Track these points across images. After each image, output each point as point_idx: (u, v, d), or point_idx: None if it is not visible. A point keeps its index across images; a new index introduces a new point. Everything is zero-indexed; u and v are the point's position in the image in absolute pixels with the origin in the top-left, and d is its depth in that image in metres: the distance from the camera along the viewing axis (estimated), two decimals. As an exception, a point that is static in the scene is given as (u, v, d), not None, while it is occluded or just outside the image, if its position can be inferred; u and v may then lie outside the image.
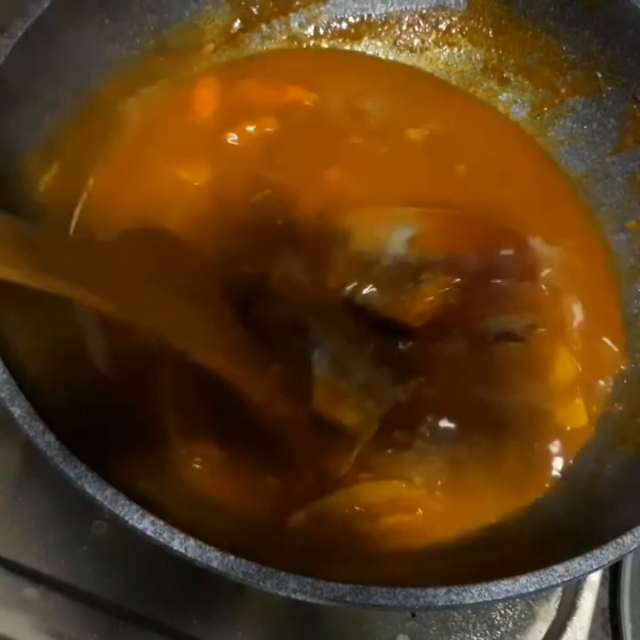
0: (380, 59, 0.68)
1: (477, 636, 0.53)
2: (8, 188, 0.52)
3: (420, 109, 0.64)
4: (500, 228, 0.57)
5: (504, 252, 0.56)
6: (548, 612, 0.54)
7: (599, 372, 0.55)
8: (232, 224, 0.56)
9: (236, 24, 0.65)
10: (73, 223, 0.57)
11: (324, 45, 0.68)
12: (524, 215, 0.59)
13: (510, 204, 0.59)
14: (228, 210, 0.57)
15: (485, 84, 0.67)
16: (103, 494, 0.38)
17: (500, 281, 0.55)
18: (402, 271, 0.54)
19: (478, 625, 0.53)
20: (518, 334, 0.53)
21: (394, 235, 0.55)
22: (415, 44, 0.68)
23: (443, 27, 0.67)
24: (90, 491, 0.38)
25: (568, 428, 0.53)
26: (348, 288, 0.54)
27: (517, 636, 0.53)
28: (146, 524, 0.37)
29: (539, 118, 0.65)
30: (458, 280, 0.53)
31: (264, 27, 0.66)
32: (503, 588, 0.37)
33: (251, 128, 0.61)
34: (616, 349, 0.56)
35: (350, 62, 0.68)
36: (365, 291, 0.53)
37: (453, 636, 0.53)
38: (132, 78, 0.61)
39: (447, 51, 0.67)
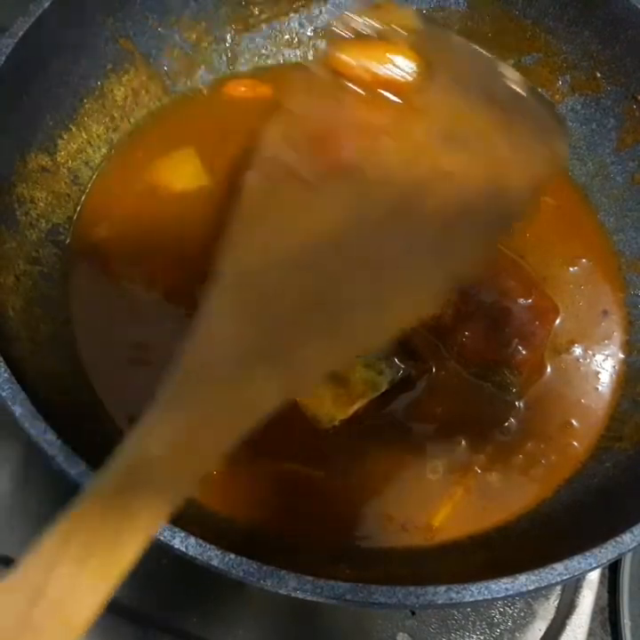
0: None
1: (477, 635, 0.53)
2: (8, 187, 0.52)
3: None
4: (534, 281, 0.55)
5: (522, 302, 0.53)
6: (547, 611, 0.54)
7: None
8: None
9: (236, 24, 0.66)
10: (72, 224, 0.57)
11: (324, 45, 0.67)
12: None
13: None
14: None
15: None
16: (104, 493, 0.38)
17: (506, 329, 0.53)
18: None
19: (478, 623, 0.53)
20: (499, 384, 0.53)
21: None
22: (415, 43, 0.68)
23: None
24: (91, 489, 0.38)
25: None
26: None
27: (517, 635, 0.53)
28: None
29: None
30: (455, 296, 0.52)
31: (265, 27, 0.67)
32: (502, 586, 0.37)
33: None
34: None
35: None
36: None
37: (453, 635, 0.53)
38: (133, 78, 0.62)
39: (447, 51, 0.67)
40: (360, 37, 0.47)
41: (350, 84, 0.46)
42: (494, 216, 0.42)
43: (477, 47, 0.48)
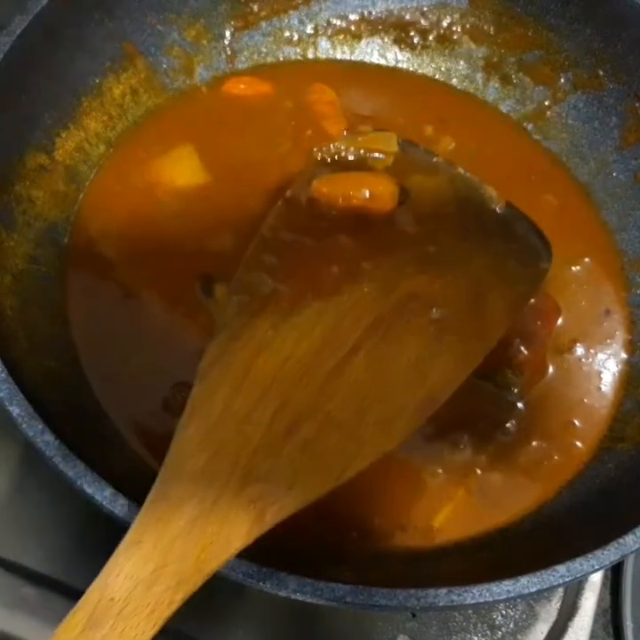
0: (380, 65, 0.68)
1: (478, 637, 0.53)
2: (6, 186, 0.52)
3: (420, 113, 0.64)
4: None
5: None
6: (549, 613, 0.54)
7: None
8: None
9: (235, 22, 0.66)
10: (70, 223, 0.57)
11: (324, 43, 0.68)
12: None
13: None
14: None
15: (487, 82, 0.67)
16: (102, 494, 0.38)
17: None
18: None
19: (479, 625, 0.53)
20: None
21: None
22: (416, 41, 0.68)
23: (444, 24, 0.67)
24: (89, 490, 0.38)
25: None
26: None
27: (518, 637, 0.53)
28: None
29: (540, 116, 0.65)
30: None
31: (264, 24, 0.67)
32: (504, 588, 0.37)
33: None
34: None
35: (351, 70, 0.68)
36: None
37: (454, 637, 0.53)
38: (132, 76, 0.62)
39: (448, 48, 0.67)
40: (341, 163, 0.49)
41: (328, 212, 0.47)
42: (474, 337, 0.43)
43: (461, 169, 0.49)
